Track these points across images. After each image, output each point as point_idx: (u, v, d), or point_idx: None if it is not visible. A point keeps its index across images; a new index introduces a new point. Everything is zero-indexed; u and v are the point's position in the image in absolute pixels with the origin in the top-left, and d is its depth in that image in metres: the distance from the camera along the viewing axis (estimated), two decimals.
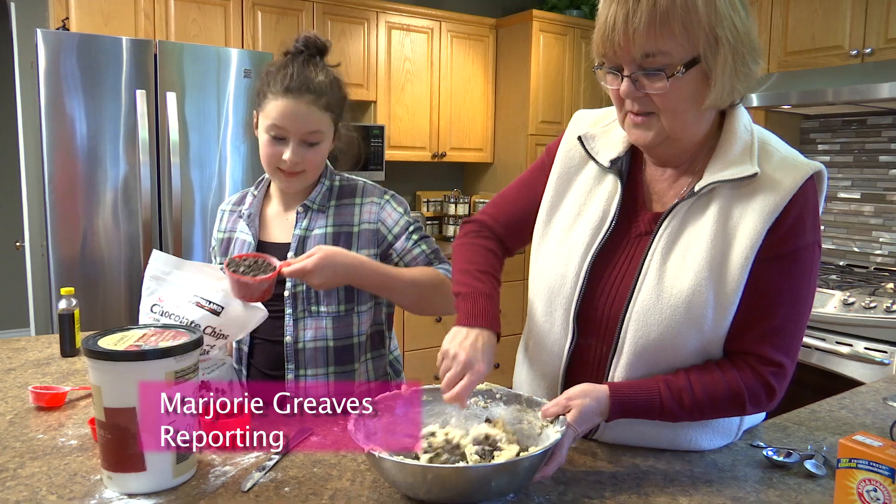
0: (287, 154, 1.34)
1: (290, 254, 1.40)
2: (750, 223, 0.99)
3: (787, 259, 1.00)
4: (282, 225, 1.47)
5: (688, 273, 1.01)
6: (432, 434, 1.03)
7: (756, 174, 1.00)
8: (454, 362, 1.03)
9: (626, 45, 0.94)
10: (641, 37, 0.93)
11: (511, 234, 1.27)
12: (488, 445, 1.00)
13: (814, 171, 1.01)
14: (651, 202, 1.12)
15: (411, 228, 1.45)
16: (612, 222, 1.10)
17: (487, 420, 1.07)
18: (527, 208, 1.22)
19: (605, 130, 1.15)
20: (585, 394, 1.00)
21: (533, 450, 0.97)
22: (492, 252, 1.24)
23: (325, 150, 1.40)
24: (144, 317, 1.24)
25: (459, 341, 1.06)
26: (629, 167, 1.13)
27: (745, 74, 0.98)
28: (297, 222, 1.43)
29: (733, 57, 0.95)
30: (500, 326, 1.11)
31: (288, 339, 1.39)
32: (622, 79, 0.98)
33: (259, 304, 1.28)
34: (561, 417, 0.99)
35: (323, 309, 1.39)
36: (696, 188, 1.03)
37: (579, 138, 1.16)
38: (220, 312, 1.23)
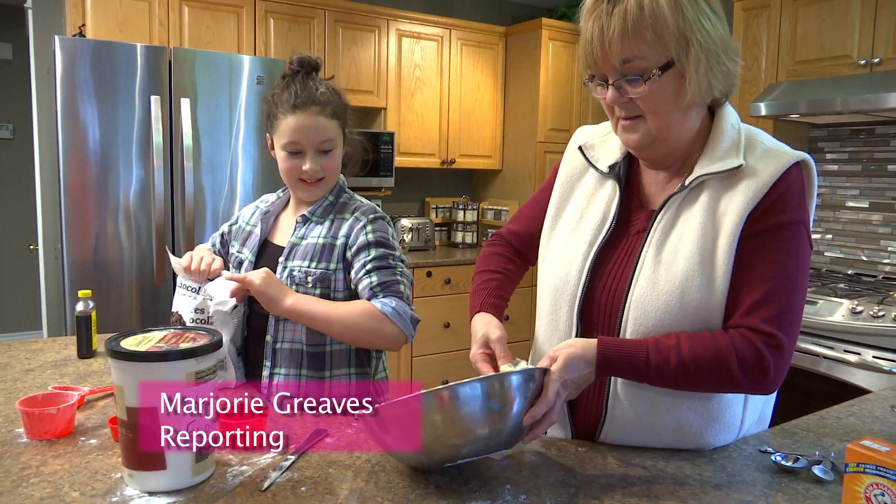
0: (307, 165, 1.42)
1: (280, 258, 1.48)
2: (734, 209, 1.06)
3: (767, 234, 1.05)
4: (286, 230, 1.54)
5: (680, 260, 1.07)
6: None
7: (741, 166, 1.06)
8: (475, 344, 1.19)
9: (604, 56, 1.04)
10: (617, 46, 1.02)
11: (525, 244, 1.39)
12: None
13: (797, 160, 1.07)
14: (647, 203, 1.19)
15: (372, 254, 1.42)
16: (612, 223, 1.18)
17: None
18: (536, 221, 1.33)
19: (603, 140, 1.25)
20: (571, 344, 1.07)
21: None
22: (501, 256, 1.39)
23: (339, 155, 1.49)
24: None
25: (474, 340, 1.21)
26: (627, 172, 1.21)
27: (721, 72, 1.06)
28: (294, 230, 1.50)
29: (706, 56, 1.03)
30: (493, 308, 1.26)
31: (268, 338, 1.46)
32: (608, 87, 1.06)
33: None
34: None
35: None
36: (687, 182, 1.10)
37: (579, 148, 1.26)
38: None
